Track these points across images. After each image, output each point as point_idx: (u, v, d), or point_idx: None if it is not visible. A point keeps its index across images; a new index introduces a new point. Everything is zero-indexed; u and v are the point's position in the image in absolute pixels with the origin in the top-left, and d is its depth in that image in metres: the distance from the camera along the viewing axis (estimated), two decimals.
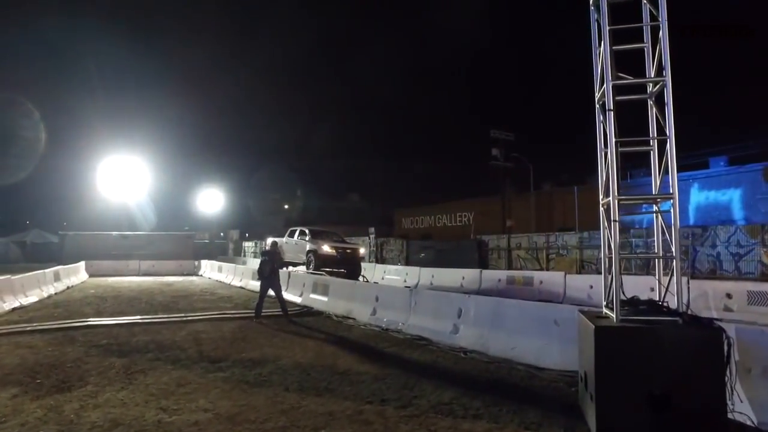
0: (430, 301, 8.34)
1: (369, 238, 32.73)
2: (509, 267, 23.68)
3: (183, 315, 10.57)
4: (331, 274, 15.10)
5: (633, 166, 32.23)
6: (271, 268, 10.52)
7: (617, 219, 4.10)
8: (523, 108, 70.89)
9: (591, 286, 12.42)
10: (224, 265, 23.13)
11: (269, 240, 10.54)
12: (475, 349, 6.91)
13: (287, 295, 13.92)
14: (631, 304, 4.13)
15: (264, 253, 11.28)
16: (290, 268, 19.37)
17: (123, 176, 37.08)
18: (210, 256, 31.42)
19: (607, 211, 4.41)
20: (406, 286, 18.86)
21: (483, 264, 24.12)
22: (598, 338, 3.83)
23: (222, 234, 49.89)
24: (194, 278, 24.12)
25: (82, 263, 24.39)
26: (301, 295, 13.05)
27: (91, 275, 24.72)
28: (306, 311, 11.45)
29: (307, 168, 67.70)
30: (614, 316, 4.06)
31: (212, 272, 24.22)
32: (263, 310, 10.38)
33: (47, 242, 39.18)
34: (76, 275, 20.65)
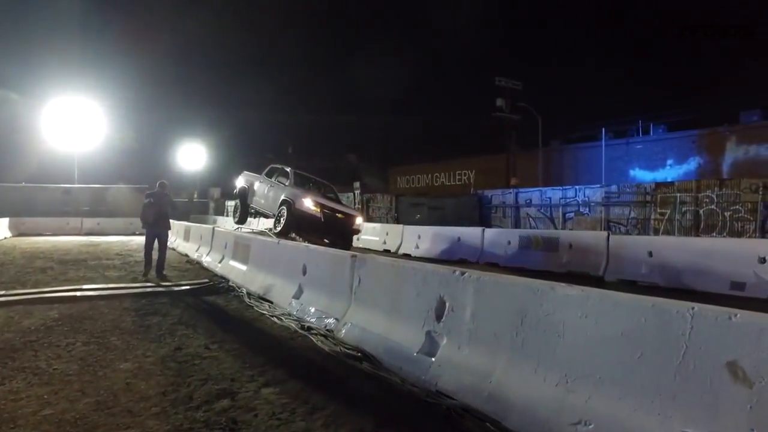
0: (386, 279, 4.17)
1: (354, 194, 28.70)
2: (516, 228, 19.59)
3: (10, 294, 6.50)
4: (295, 239, 10.65)
5: (743, 102, 26.07)
6: (156, 212, 8.23)
7: None
8: (532, 59, 64.87)
9: (650, 253, 8.22)
10: None
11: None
12: (473, 406, 2.79)
13: (208, 260, 9.91)
14: None
15: (149, 195, 8.35)
16: (262, 223, 14.91)
17: (77, 124, 32.35)
18: (184, 216, 28.06)
19: None
20: (385, 250, 14.72)
21: (485, 225, 20.04)
22: None
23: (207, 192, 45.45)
24: (137, 238, 20.05)
25: (5, 220, 20.41)
26: (221, 261, 8.97)
27: (19, 234, 20.85)
28: (210, 286, 7.37)
29: (301, 125, 62.14)
30: None
31: None
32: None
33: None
34: None
